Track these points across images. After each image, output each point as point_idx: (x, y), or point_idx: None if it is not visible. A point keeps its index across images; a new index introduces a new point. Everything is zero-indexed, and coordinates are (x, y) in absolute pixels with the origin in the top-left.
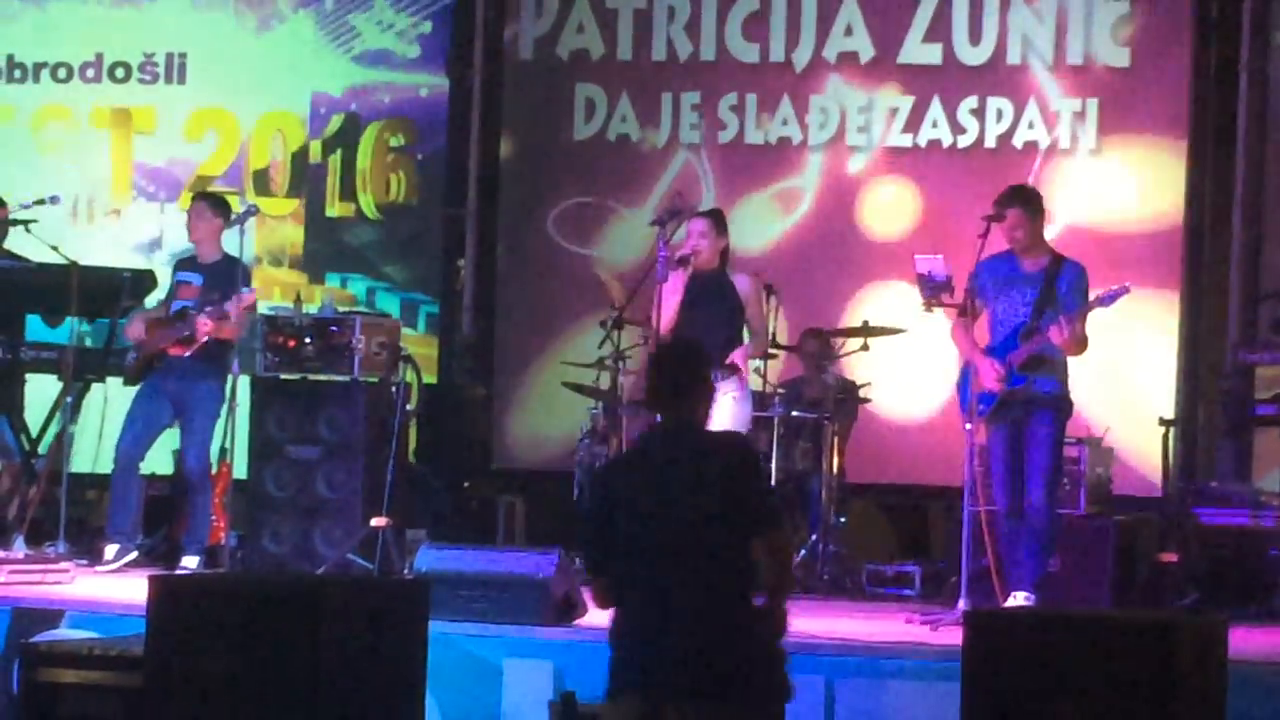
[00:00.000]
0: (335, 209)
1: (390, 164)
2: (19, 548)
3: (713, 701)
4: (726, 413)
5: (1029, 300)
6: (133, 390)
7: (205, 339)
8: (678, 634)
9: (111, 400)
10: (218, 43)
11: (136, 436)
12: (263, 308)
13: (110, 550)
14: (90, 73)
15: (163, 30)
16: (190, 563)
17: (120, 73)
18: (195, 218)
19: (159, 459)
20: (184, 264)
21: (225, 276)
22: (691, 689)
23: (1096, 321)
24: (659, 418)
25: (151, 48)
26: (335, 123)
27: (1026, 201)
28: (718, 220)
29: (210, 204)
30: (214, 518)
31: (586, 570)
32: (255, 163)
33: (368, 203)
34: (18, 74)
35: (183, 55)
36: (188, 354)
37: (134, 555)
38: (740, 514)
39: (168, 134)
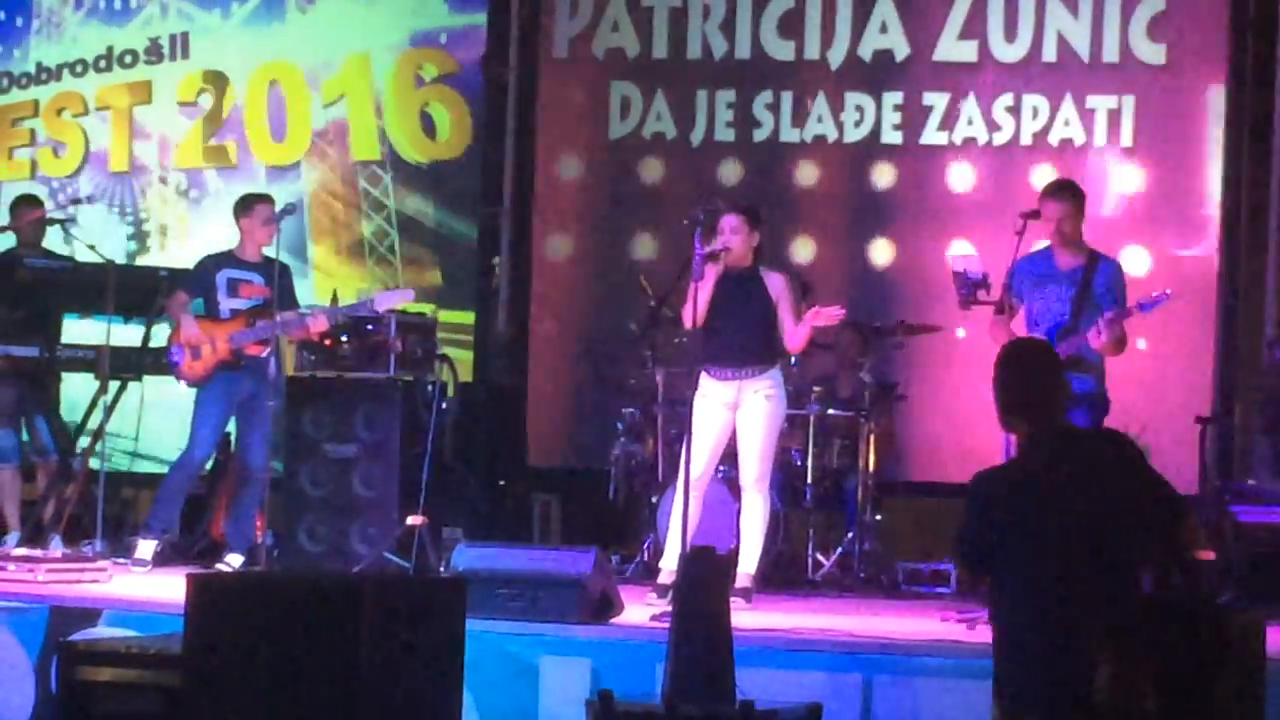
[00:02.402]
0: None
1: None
2: (56, 547)
3: None
4: (761, 411)
5: (1066, 299)
6: (168, 389)
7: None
8: (1083, 652)
9: (147, 399)
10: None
11: (209, 444)
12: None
13: (146, 546)
14: (102, 64)
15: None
16: (235, 560)
17: (128, 59)
18: (265, 222)
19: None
20: (227, 262)
21: (283, 276)
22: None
23: (1133, 321)
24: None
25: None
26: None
27: (1073, 194)
28: (751, 216)
29: (274, 207)
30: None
31: (961, 568)
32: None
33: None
34: (44, 76)
35: (185, 32)
36: (265, 353)
37: (158, 547)
38: (1152, 509)
39: (165, 101)
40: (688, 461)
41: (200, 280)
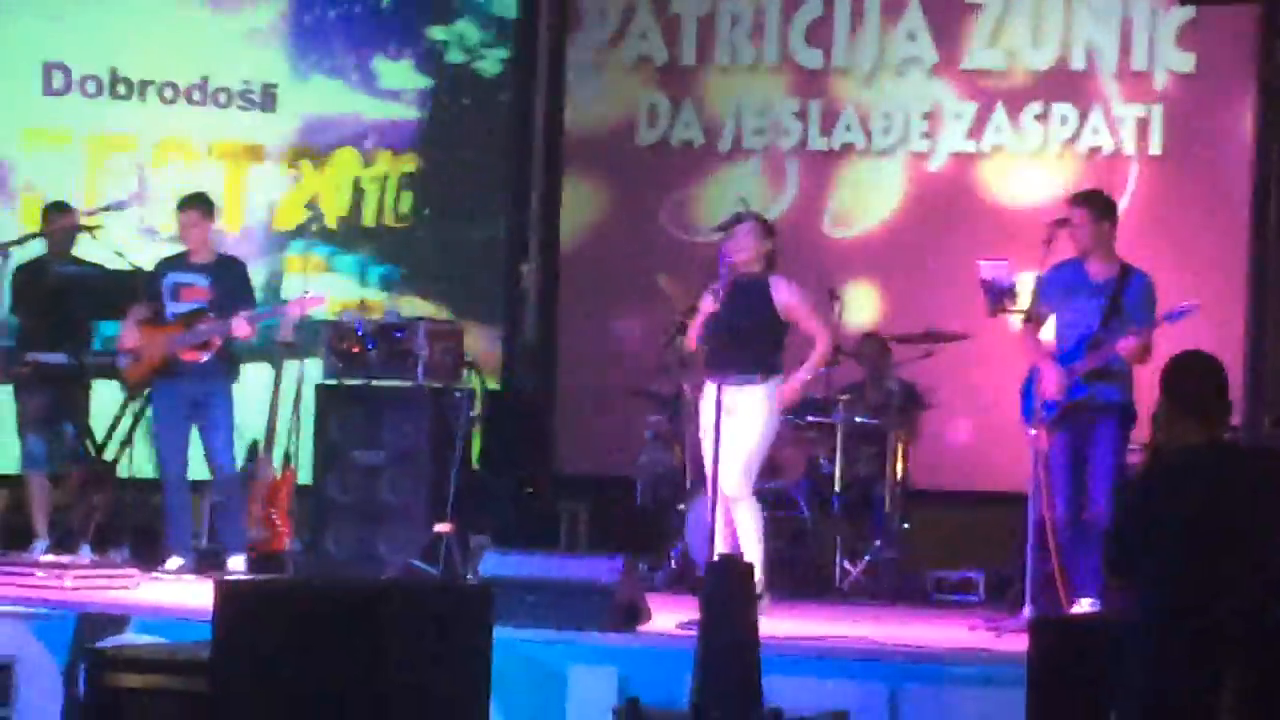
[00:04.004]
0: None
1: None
2: (85, 554)
3: None
4: (751, 421)
5: (1096, 310)
6: None
7: (215, 341)
8: (1212, 666)
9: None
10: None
11: (175, 450)
12: (327, 314)
13: (173, 562)
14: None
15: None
16: (237, 563)
17: (223, 98)
18: (191, 226)
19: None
20: (174, 265)
21: (231, 275)
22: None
23: (1159, 331)
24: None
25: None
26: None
27: (1094, 203)
28: (760, 225)
29: (202, 210)
30: (278, 522)
31: (1108, 569)
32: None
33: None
34: (122, 89)
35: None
36: (205, 358)
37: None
38: None
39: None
40: (715, 472)
41: (151, 285)
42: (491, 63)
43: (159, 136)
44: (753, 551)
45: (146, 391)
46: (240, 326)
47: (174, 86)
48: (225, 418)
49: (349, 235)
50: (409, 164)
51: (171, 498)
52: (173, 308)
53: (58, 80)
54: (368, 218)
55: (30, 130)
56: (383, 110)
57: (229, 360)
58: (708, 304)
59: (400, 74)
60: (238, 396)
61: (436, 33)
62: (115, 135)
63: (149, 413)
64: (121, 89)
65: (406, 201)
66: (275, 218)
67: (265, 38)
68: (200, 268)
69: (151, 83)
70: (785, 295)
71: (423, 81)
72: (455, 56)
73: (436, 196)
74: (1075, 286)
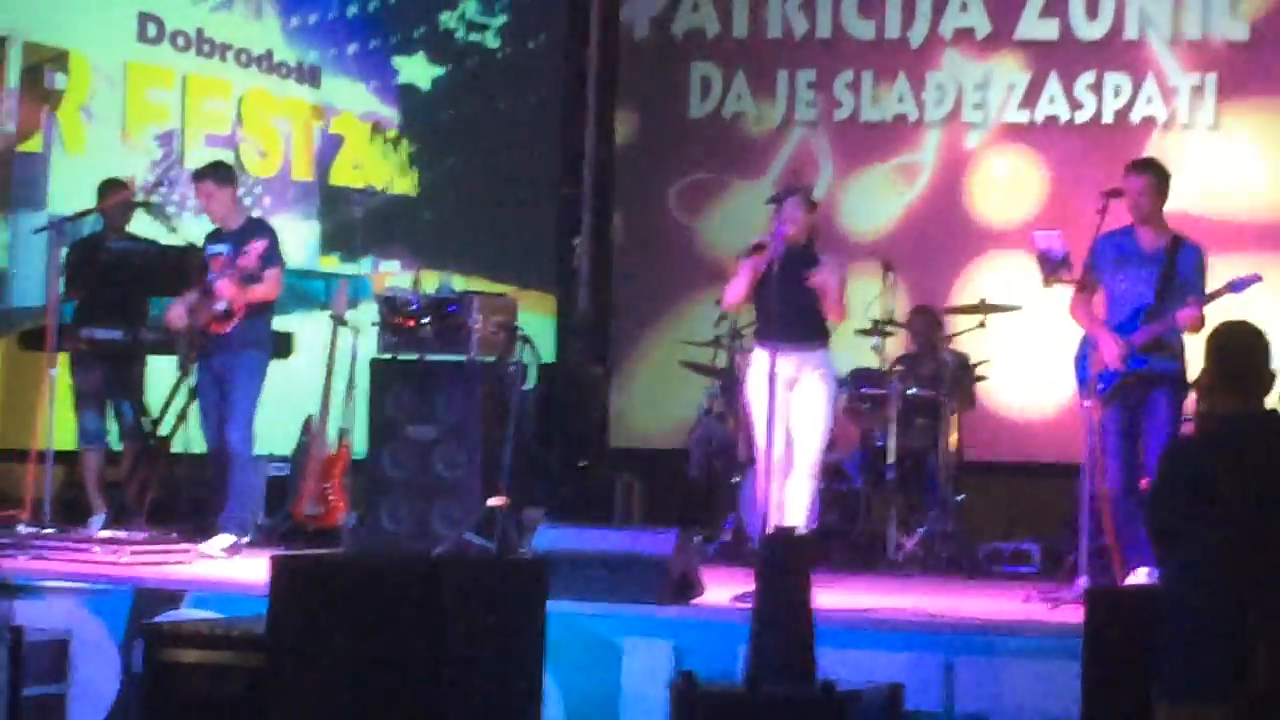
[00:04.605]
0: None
1: None
2: (141, 529)
3: None
4: (816, 392)
5: (1150, 280)
6: None
7: (237, 307)
8: (1245, 633)
9: None
10: None
11: (214, 427)
12: (381, 289)
13: (224, 540)
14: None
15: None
16: (224, 541)
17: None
18: (207, 199)
19: (277, 438)
20: (212, 237)
21: (255, 237)
22: None
23: (1217, 301)
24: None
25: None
26: None
27: (1154, 171)
28: (806, 197)
29: (215, 180)
30: (333, 496)
31: (1150, 537)
32: None
33: None
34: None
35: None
36: (229, 328)
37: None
38: None
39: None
40: (769, 441)
41: (199, 261)
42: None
43: (244, 89)
44: (802, 523)
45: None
46: (223, 289)
47: (247, 53)
48: (244, 392)
49: (402, 206)
50: (462, 136)
51: (214, 475)
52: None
53: (151, 30)
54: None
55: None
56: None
57: (255, 329)
58: (745, 269)
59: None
60: (289, 371)
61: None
62: (210, 78)
63: None
64: (206, 48)
65: (459, 173)
66: (333, 173)
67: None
68: (227, 236)
69: (230, 46)
70: (828, 263)
71: (488, 43)
72: (492, 41)
73: (490, 168)
74: (1127, 256)
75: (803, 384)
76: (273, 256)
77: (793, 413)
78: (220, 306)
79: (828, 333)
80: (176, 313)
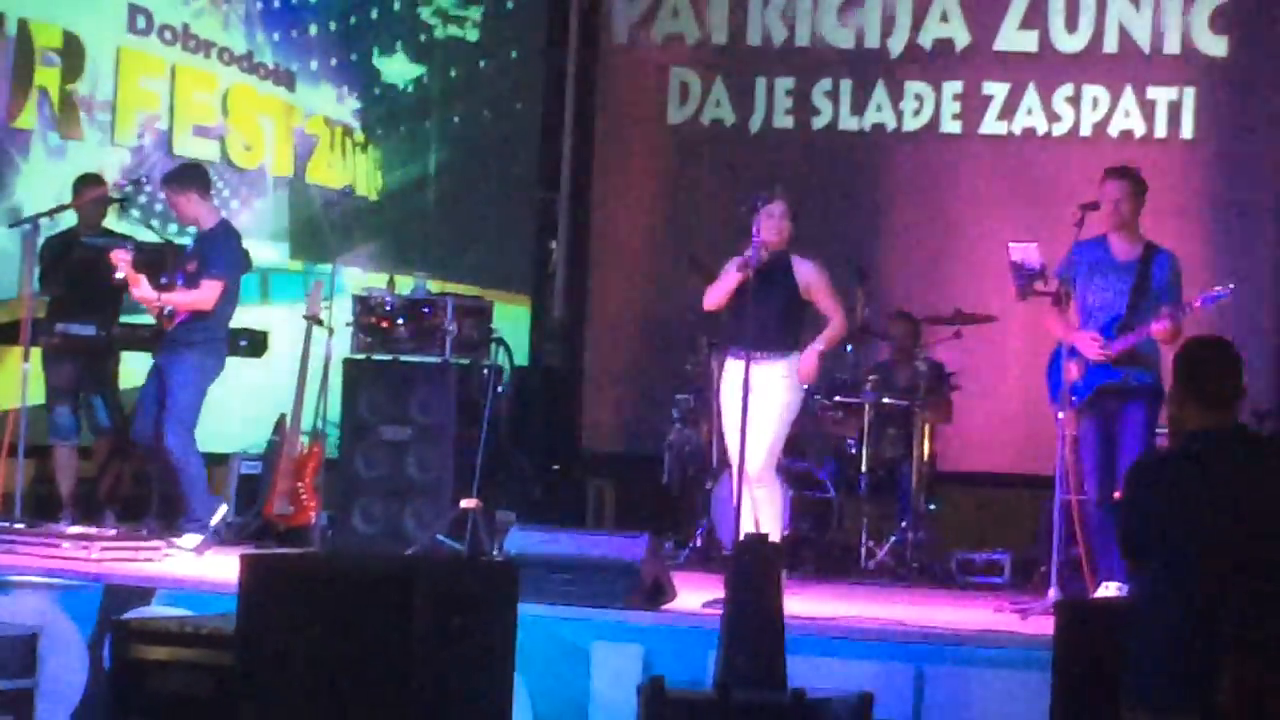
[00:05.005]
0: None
1: None
2: (111, 525)
3: None
4: (774, 398)
5: (1124, 291)
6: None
7: (165, 311)
8: (1213, 653)
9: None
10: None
11: (146, 421)
12: (356, 289)
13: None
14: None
15: None
16: (189, 542)
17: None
18: (171, 205)
19: (250, 436)
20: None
21: (206, 243)
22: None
23: (1192, 315)
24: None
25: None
26: None
27: (1134, 179)
28: (787, 204)
29: (175, 186)
30: (304, 496)
31: (1122, 551)
32: None
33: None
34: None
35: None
36: (170, 327)
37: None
38: None
39: None
40: (742, 449)
41: None
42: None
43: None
44: (772, 532)
45: None
46: (142, 291)
47: (229, 52)
48: (178, 393)
49: (380, 208)
50: (437, 139)
51: (149, 465)
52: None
53: (140, 22)
54: (394, 190)
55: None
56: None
57: (196, 334)
58: (731, 273)
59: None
60: (265, 369)
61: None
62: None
63: None
64: (191, 44)
65: (433, 176)
66: (309, 171)
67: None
68: (196, 239)
69: (214, 44)
70: (807, 274)
71: (468, 36)
72: (472, 35)
73: (467, 171)
74: (1100, 265)
75: (762, 391)
76: (212, 266)
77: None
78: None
79: (799, 342)
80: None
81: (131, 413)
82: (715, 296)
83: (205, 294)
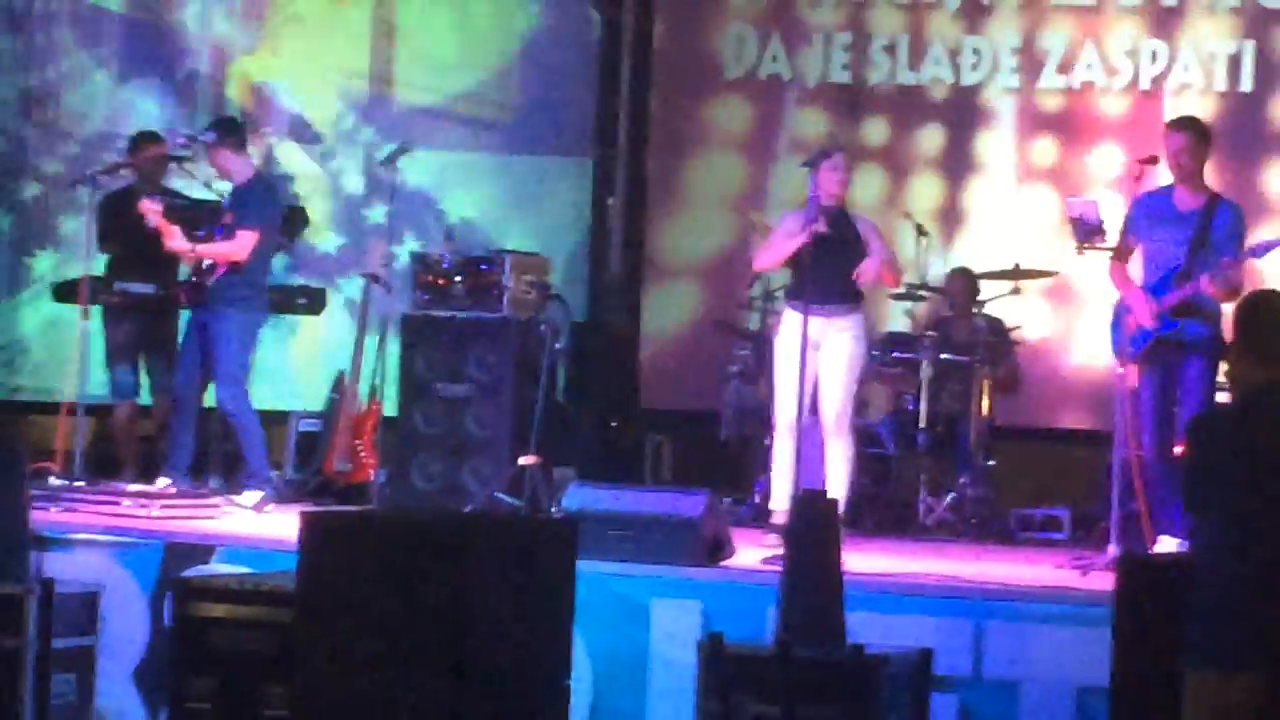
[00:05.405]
0: None
1: None
2: (170, 483)
3: None
4: (844, 352)
5: (1183, 242)
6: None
7: (218, 261)
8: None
9: (265, 335)
10: None
11: (183, 371)
12: (414, 247)
13: (161, 482)
14: None
15: None
16: (249, 498)
17: None
18: (212, 161)
19: (309, 394)
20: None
21: (242, 195)
22: None
23: (1247, 266)
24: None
25: None
26: None
27: (1197, 129)
28: (846, 158)
29: (214, 138)
30: (363, 453)
31: (1185, 504)
32: None
33: None
34: None
35: None
36: (209, 282)
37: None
38: None
39: None
40: (800, 400)
41: None
42: None
43: None
44: (840, 486)
45: None
46: (178, 242)
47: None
48: (223, 351)
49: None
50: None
51: (171, 423)
52: None
53: None
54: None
55: None
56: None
57: (235, 291)
58: (786, 234)
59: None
60: (323, 327)
61: None
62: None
63: None
64: None
65: (491, 133)
66: None
67: None
68: (232, 192)
69: None
70: (866, 226)
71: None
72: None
73: (523, 129)
74: (1162, 216)
75: (830, 345)
76: (246, 218)
77: (820, 374)
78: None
79: (861, 296)
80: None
81: None
82: (771, 257)
83: (240, 244)
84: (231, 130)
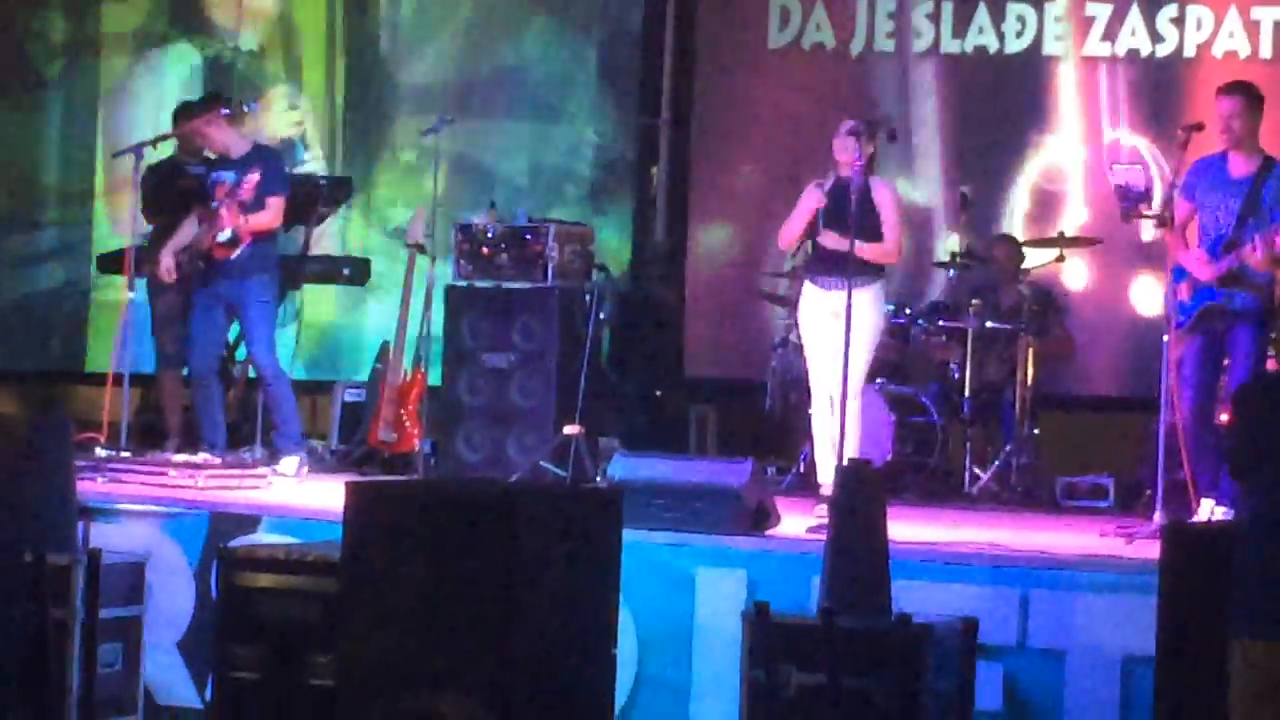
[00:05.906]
0: None
1: None
2: (216, 453)
3: None
4: (858, 321)
5: (1233, 210)
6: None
7: (243, 234)
8: None
9: (307, 306)
10: None
11: (204, 350)
12: (458, 217)
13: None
14: None
15: None
16: (289, 465)
17: None
18: (200, 137)
19: (354, 364)
20: (215, 165)
21: (256, 166)
22: None
23: None
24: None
25: None
26: None
27: (1249, 93)
28: (866, 127)
29: (194, 113)
30: (408, 423)
31: (1231, 473)
32: None
33: None
34: None
35: None
36: (235, 255)
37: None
38: None
39: None
40: (845, 373)
41: (201, 186)
42: None
43: None
44: (852, 450)
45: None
46: (228, 216)
47: None
48: (258, 315)
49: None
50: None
51: (196, 400)
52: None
53: None
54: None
55: None
56: None
57: (262, 256)
58: (809, 201)
59: None
60: (368, 297)
61: None
62: None
63: (281, 313)
64: None
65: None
66: None
67: None
68: (231, 164)
69: None
70: (882, 196)
71: None
72: None
73: (568, 98)
74: (1215, 182)
75: (844, 315)
76: (272, 185)
77: (838, 342)
78: (224, 236)
79: (880, 267)
80: (185, 233)
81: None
82: (788, 232)
83: (274, 213)
84: (221, 104)
